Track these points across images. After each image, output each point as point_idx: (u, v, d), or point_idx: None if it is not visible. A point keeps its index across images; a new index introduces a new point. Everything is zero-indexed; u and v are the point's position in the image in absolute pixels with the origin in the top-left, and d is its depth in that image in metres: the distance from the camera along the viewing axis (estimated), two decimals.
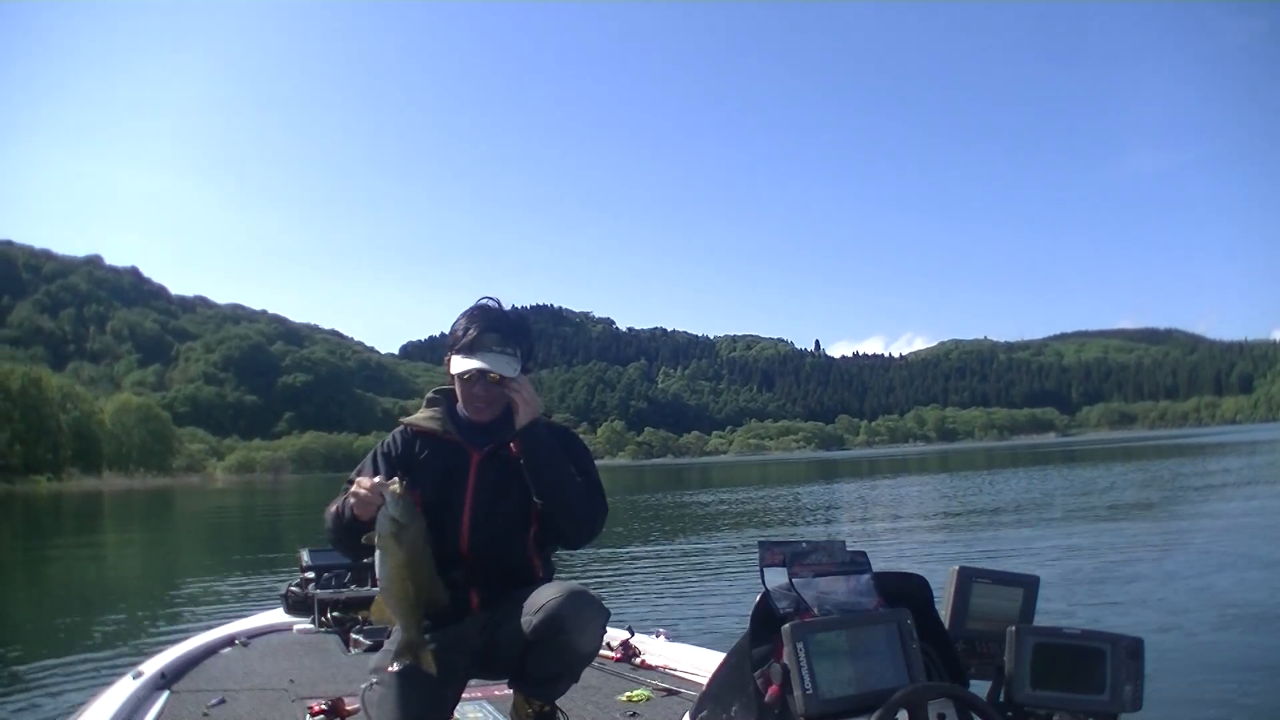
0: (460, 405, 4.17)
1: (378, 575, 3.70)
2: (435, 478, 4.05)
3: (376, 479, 3.72)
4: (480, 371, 3.97)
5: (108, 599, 18.69)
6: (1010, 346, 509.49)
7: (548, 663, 3.86)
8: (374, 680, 3.82)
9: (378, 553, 3.65)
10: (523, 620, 3.78)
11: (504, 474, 4.06)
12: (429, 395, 4.33)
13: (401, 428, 4.24)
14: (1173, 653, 9.94)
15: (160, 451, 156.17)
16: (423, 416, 4.22)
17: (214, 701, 5.31)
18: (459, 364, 4.00)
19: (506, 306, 4.17)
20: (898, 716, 2.76)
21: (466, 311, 4.12)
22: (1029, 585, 3.37)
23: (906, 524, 27.51)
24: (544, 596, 3.78)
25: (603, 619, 3.86)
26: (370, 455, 4.19)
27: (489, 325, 4.03)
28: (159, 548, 33.30)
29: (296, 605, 7.95)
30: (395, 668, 3.72)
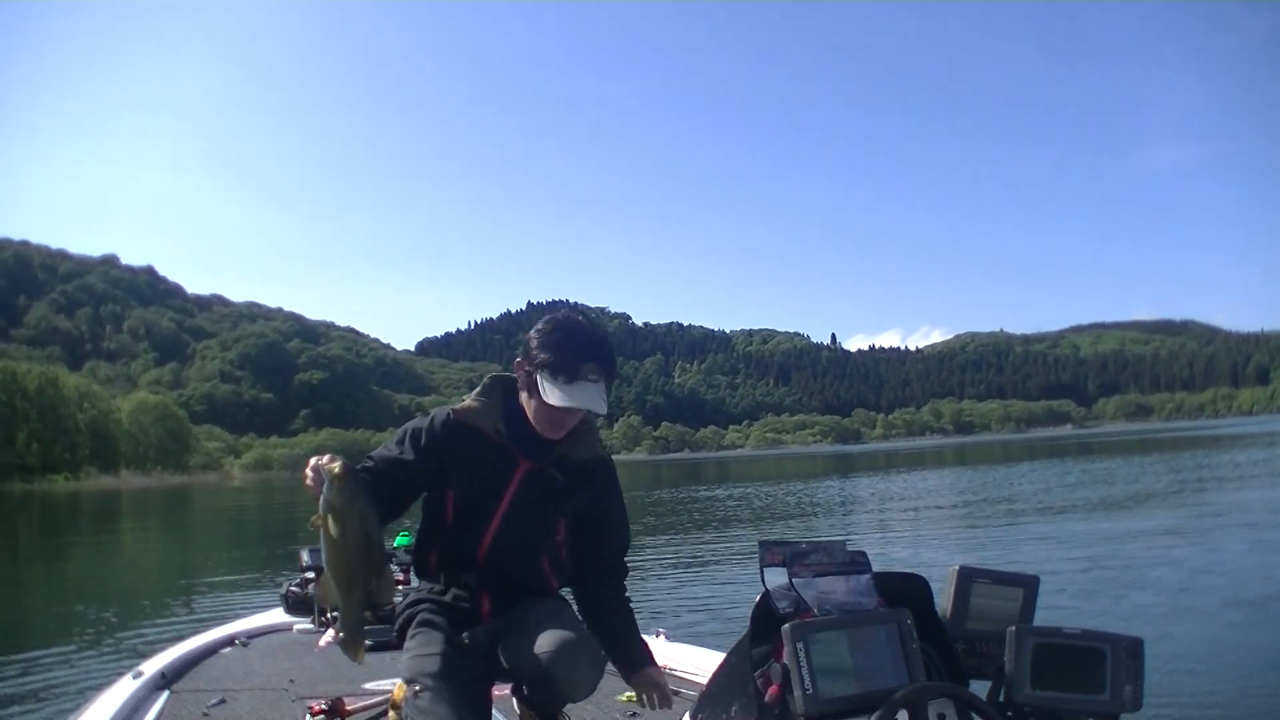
0: (532, 415, 3.85)
1: (322, 559, 3.57)
2: (473, 478, 3.85)
3: (324, 459, 3.48)
4: (579, 409, 3.77)
5: (110, 599, 18.75)
6: (1026, 339, 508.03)
7: (538, 697, 3.88)
8: (416, 688, 3.58)
9: (320, 534, 3.49)
10: (519, 656, 3.70)
11: (545, 492, 3.89)
12: (486, 382, 4.05)
13: (447, 414, 3.95)
14: (1173, 652, 9.93)
15: (177, 450, 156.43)
16: (474, 409, 3.93)
17: (214, 701, 5.32)
18: (558, 394, 3.68)
19: (581, 321, 3.91)
20: (898, 716, 2.76)
21: (561, 327, 3.81)
22: (1029, 585, 3.36)
23: (914, 521, 27.48)
24: (541, 643, 3.61)
25: (597, 672, 3.75)
26: (402, 431, 3.97)
27: (589, 354, 3.76)
28: (168, 547, 33.45)
29: (296, 605, 7.96)
30: (323, 643, 3.83)
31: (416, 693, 3.57)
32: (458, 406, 3.94)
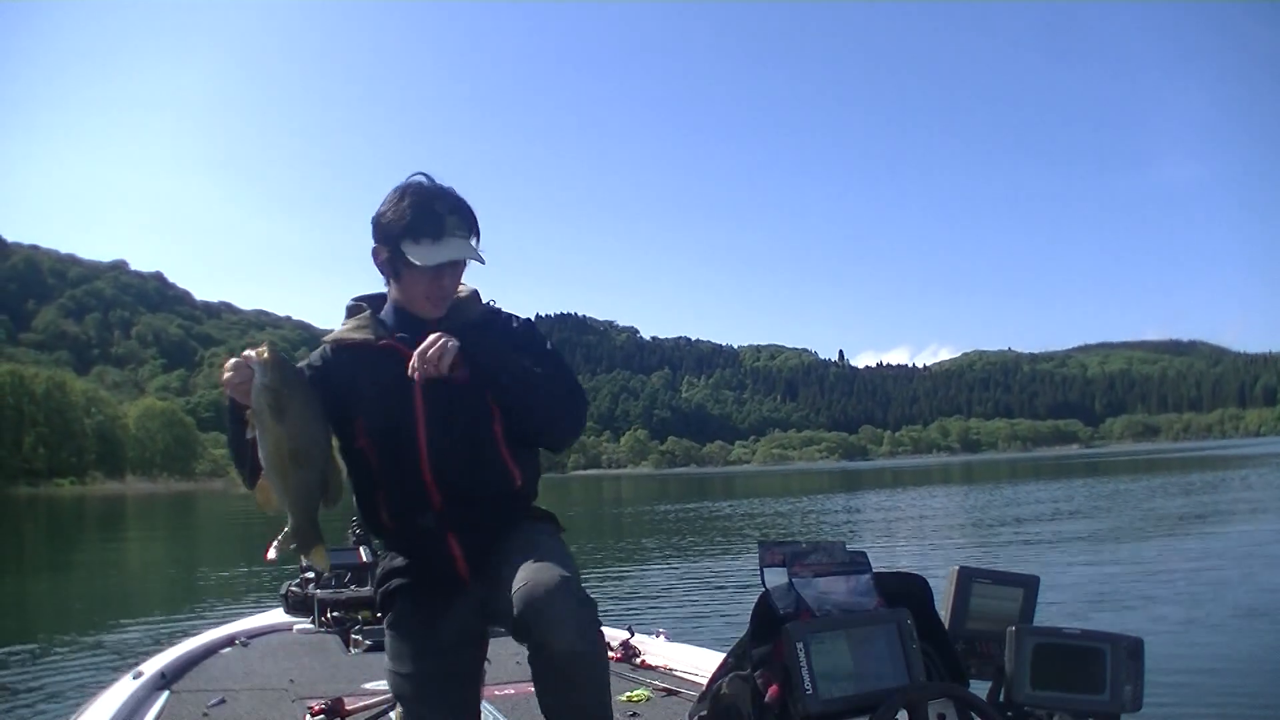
0: (405, 302, 3.46)
1: (260, 458, 3.11)
2: (377, 398, 3.39)
3: (247, 350, 3.06)
4: (454, 262, 3.40)
5: (111, 599, 18.87)
6: (1034, 358, 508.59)
7: (532, 656, 3.15)
8: (402, 711, 3.39)
9: (256, 433, 3.05)
10: (501, 617, 3.24)
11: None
12: (349, 304, 3.66)
13: (322, 346, 3.57)
14: (1173, 653, 9.93)
15: (184, 456, 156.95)
16: (347, 327, 3.54)
17: (214, 701, 5.33)
18: (426, 253, 3.31)
19: (426, 177, 3.47)
20: (898, 716, 2.76)
21: (410, 189, 3.40)
22: (1029, 585, 3.36)
23: (919, 535, 27.48)
24: (512, 590, 3.11)
25: (574, 605, 3.08)
26: None
27: (447, 205, 3.38)
28: (171, 551, 33.43)
29: (296, 605, 7.98)
30: (272, 555, 3.19)
31: (404, 716, 3.42)
32: (328, 337, 3.58)
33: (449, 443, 3.38)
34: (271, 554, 3.19)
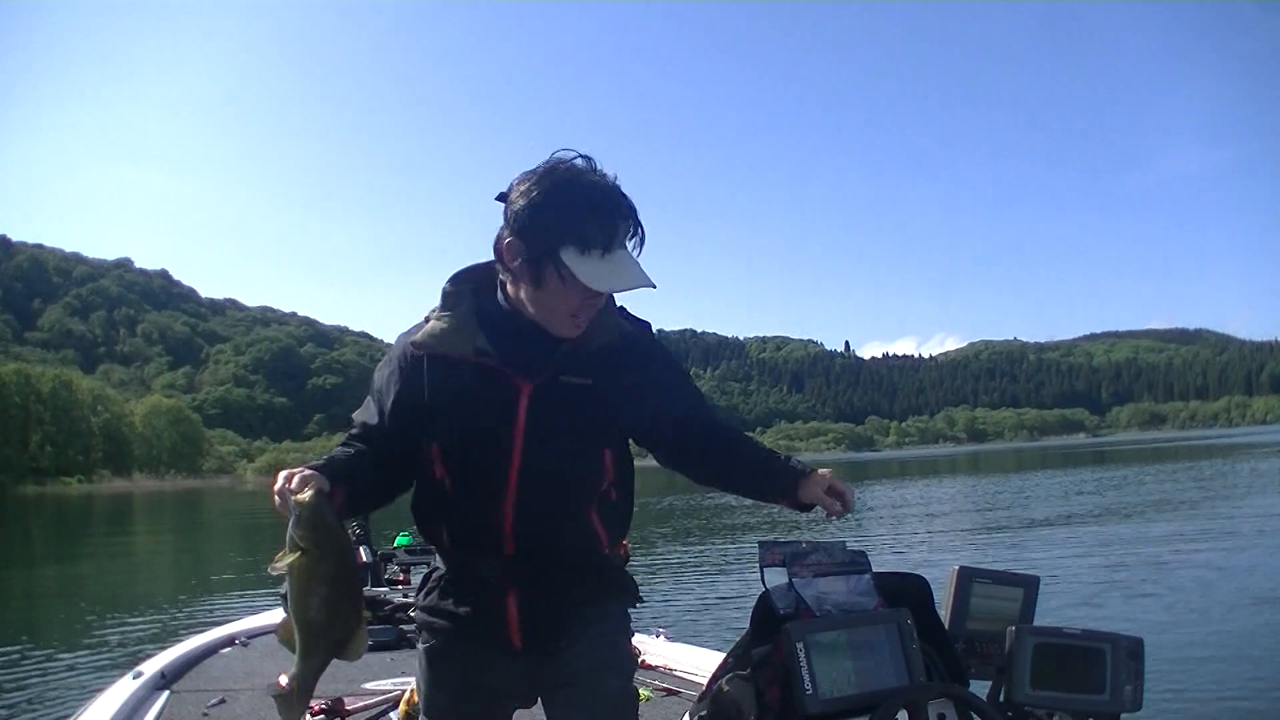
0: (541, 311, 2.76)
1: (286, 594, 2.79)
2: (462, 430, 2.79)
3: (294, 482, 2.54)
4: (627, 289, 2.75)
5: (112, 599, 18.92)
6: (1040, 347, 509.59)
7: None
8: None
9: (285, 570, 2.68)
10: None
11: (568, 412, 2.78)
12: (446, 289, 2.91)
13: (404, 348, 2.87)
14: (1174, 653, 9.92)
15: (190, 453, 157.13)
16: (439, 331, 2.83)
17: (214, 701, 5.33)
18: (597, 271, 2.64)
19: (588, 165, 2.74)
20: (898, 716, 2.75)
21: (582, 183, 2.68)
22: (1029, 585, 3.35)
23: (926, 527, 27.46)
24: None
25: None
26: (374, 379, 2.97)
27: (622, 209, 2.69)
28: (176, 550, 33.52)
29: None
30: (274, 691, 2.72)
31: None
32: (416, 335, 2.86)
33: (543, 496, 2.80)
34: (273, 691, 2.84)
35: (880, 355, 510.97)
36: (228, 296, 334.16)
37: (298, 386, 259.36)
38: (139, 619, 15.22)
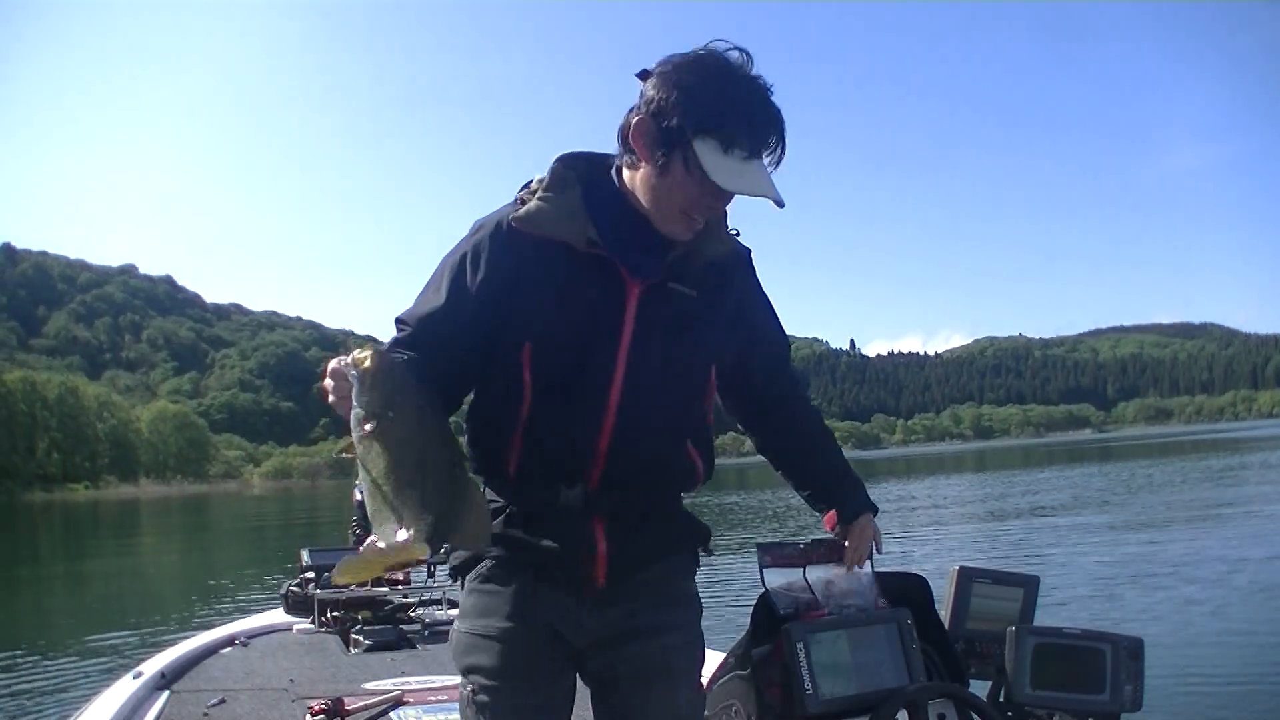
0: (657, 203, 2.40)
1: (364, 500, 2.26)
2: (569, 322, 2.41)
3: (353, 354, 2.16)
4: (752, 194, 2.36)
5: (113, 600, 18.98)
6: (1045, 343, 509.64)
7: None
8: (470, 687, 2.50)
9: (358, 468, 2.21)
10: None
11: (678, 324, 2.47)
12: (554, 166, 2.51)
13: (499, 224, 2.46)
14: (1174, 653, 9.90)
15: (197, 459, 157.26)
16: (543, 210, 2.43)
17: (214, 701, 5.32)
18: (731, 169, 2.29)
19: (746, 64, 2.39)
20: (898, 716, 2.76)
21: (739, 77, 2.35)
22: (1029, 585, 3.35)
23: (925, 524, 27.43)
24: None
25: None
26: (439, 269, 2.52)
27: (774, 122, 2.35)
28: (180, 553, 33.49)
29: (296, 605, 7.96)
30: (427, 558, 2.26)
31: (473, 693, 2.51)
32: (516, 213, 2.44)
33: (646, 414, 2.45)
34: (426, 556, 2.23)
35: (885, 353, 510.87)
36: (232, 301, 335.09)
37: (303, 391, 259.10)
38: (140, 620, 15.22)
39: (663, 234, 2.43)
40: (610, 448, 2.41)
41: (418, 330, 2.45)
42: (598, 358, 2.40)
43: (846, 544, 2.88)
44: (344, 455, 2.21)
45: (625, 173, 2.47)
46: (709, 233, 2.48)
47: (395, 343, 2.44)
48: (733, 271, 2.60)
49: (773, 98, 2.36)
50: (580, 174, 2.49)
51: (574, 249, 2.38)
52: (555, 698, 2.52)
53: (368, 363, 2.15)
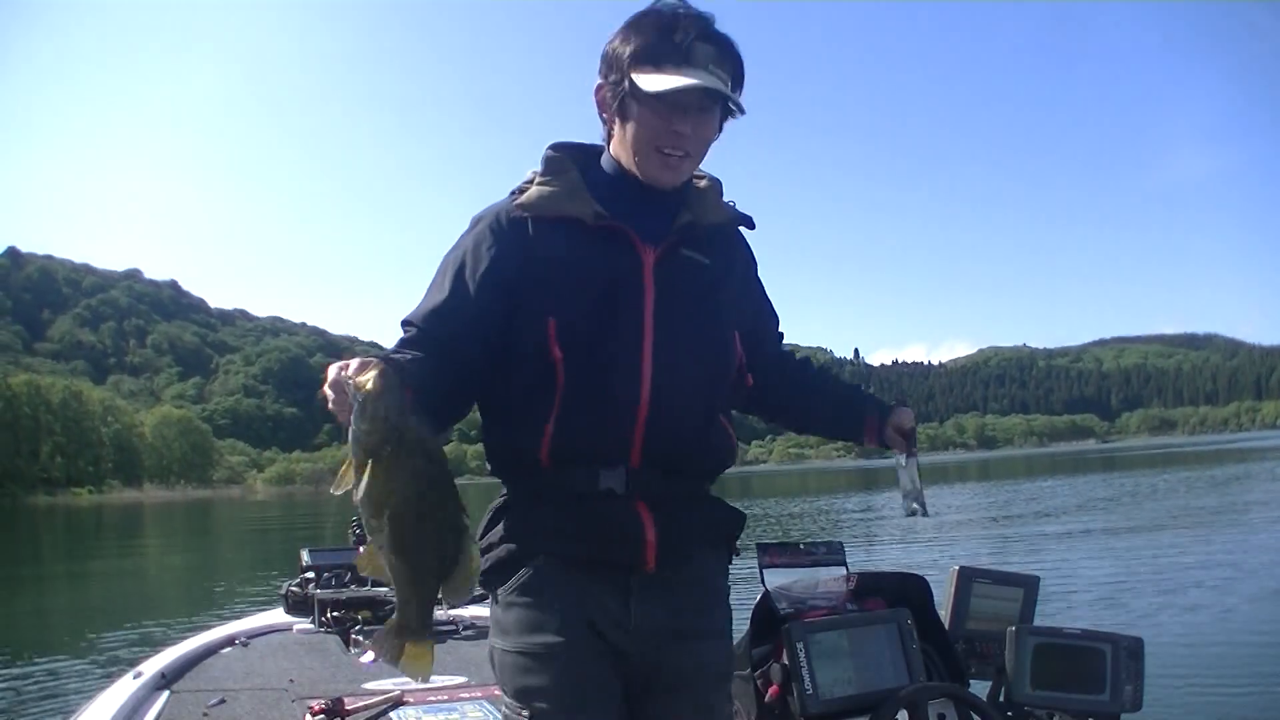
0: (629, 158, 2.45)
1: (362, 518, 2.18)
2: (592, 296, 2.38)
3: (352, 368, 2.05)
4: (701, 91, 2.32)
5: (114, 601, 18.96)
6: (1049, 353, 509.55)
7: None
8: (527, 712, 2.32)
9: (352, 486, 2.09)
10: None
11: (689, 287, 2.45)
12: (547, 153, 2.56)
13: (502, 210, 2.48)
14: (1174, 653, 9.89)
15: (201, 464, 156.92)
16: (546, 192, 2.46)
17: (214, 701, 5.31)
18: (664, 79, 2.31)
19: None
20: (898, 716, 2.76)
21: (652, 8, 2.41)
22: (1029, 585, 3.36)
23: (929, 529, 27.44)
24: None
25: None
26: (444, 263, 2.52)
27: (702, 32, 2.35)
28: (181, 557, 33.49)
29: (296, 605, 7.94)
30: (365, 659, 2.19)
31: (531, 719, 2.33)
32: (519, 199, 2.47)
33: (682, 388, 2.39)
34: (367, 658, 2.21)
35: (889, 362, 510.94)
36: (237, 307, 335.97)
37: (307, 396, 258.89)
38: (140, 621, 15.23)
39: (659, 189, 2.46)
40: (648, 421, 2.35)
41: (424, 329, 2.41)
42: (624, 325, 2.36)
43: (898, 427, 3.02)
44: (339, 489, 2.12)
45: (612, 146, 2.51)
46: (707, 200, 2.55)
47: (402, 343, 2.39)
48: (738, 239, 2.66)
49: (703, 15, 2.38)
50: (574, 158, 2.53)
51: (583, 223, 2.38)
52: (613, 716, 2.40)
53: (370, 385, 2.03)
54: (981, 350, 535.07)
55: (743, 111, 2.44)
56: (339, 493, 2.10)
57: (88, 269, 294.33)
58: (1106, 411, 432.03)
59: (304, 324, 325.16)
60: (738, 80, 2.42)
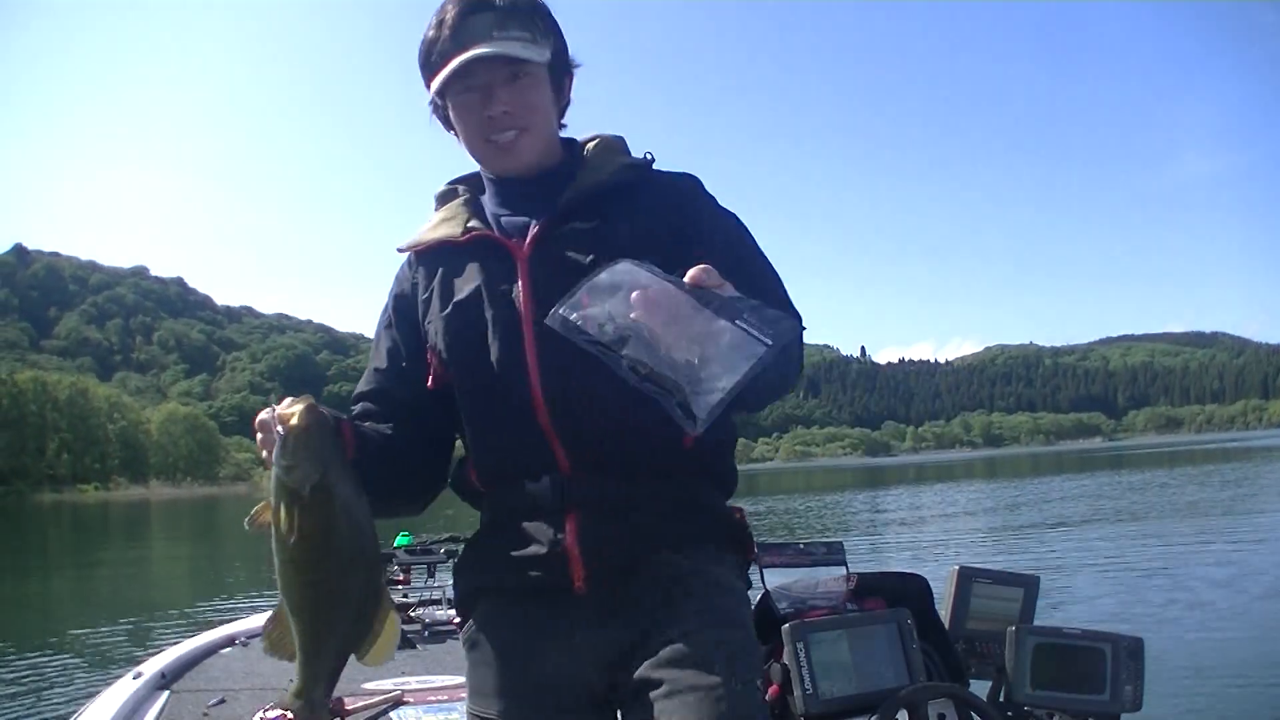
0: (468, 145, 2.31)
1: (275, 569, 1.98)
2: (463, 309, 2.24)
3: (282, 404, 1.96)
4: (472, 63, 2.16)
5: (114, 600, 18.97)
6: (1056, 351, 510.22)
7: None
8: None
9: (270, 535, 1.93)
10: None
11: (570, 262, 2.15)
12: (438, 192, 2.50)
13: (407, 257, 2.45)
14: (1175, 653, 9.89)
15: (207, 461, 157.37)
16: (430, 224, 2.40)
17: (214, 701, 5.31)
18: (437, 78, 2.23)
19: None
20: (898, 716, 2.75)
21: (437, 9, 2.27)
22: (1029, 585, 3.35)
23: (933, 528, 27.45)
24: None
25: None
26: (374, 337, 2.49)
27: (468, 9, 2.20)
28: (186, 555, 33.57)
29: None
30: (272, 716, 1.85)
31: None
32: (406, 242, 2.44)
33: (581, 368, 2.02)
34: (271, 715, 2.05)
35: (896, 360, 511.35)
36: (243, 304, 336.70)
37: (314, 394, 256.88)
38: (141, 620, 15.27)
39: (541, 178, 2.28)
40: (554, 419, 2.14)
41: (367, 397, 2.37)
42: (501, 327, 2.18)
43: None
44: (256, 527, 1.95)
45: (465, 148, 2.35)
46: (595, 163, 2.32)
47: (356, 418, 2.31)
48: (651, 188, 2.31)
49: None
50: (469, 183, 2.45)
51: (454, 243, 2.28)
52: None
53: (294, 420, 1.89)
54: (988, 348, 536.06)
55: (559, 55, 2.29)
56: (252, 530, 1.95)
57: (94, 266, 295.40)
58: (1113, 410, 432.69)
59: (310, 321, 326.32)
60: (537, 30, 2.23)
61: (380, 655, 2.04)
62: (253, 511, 1.94)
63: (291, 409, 1.91)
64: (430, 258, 2.34)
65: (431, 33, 2.23)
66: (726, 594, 2.20)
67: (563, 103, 2.38)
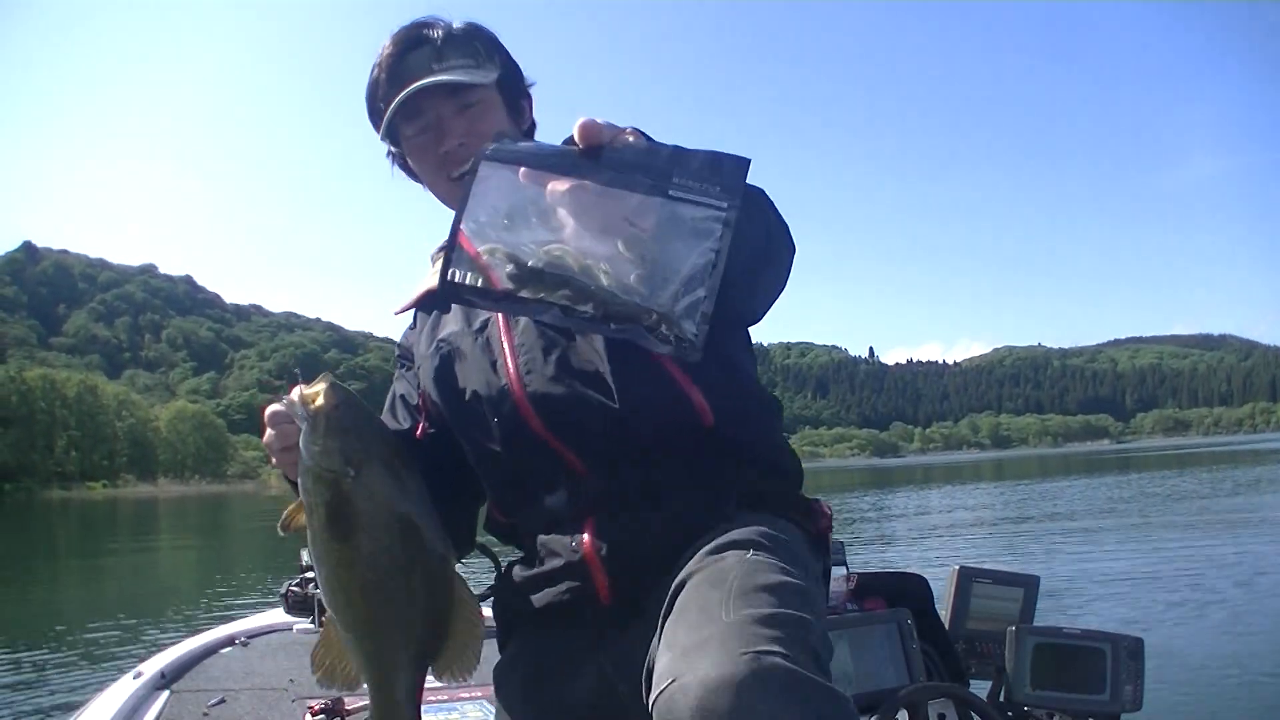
0: (443, 199, 2.26)
1: (320, 586, 1.81)
2: (446, 344, 2.20)
3: (300, 389, 1.81)
4: (417, 98, 2.14)
5: (114, 600, 18.94)
6: (1064, 353, 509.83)
7: None
8: None
9: (309, 542, 1.71)
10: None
11: None
12: (433, 253, 2.37)
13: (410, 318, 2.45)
14: (1176, 653, 9.87)
15: (215, 459, 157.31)
16: (421, 282, 2.35)
17: (214, 701, 5.31)
18: (385, 123, 2.21)
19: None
20: (897, 717, 2.75)
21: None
22: (1029, 585, 3.34)
23: (939, 529, 27.41)
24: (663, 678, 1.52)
25: None
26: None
27: (403, 48, 2.19)
28: (193, 554, 33.55)
29: (296, 605, 7.93)
30: None
31: None
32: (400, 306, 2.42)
33: (562, 362, 2.01)
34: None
35: (904, 361, 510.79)
36: (252, 302, 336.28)
37: None
38: (141, 620, 15.26)
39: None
40: (552, 426, 2.02)
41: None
42: (479, 355, 2.13)
43: None
44: (285, 530, 1.76)
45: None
46: None
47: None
48: None
49: (408, 32, 2.20)
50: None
51: (435, 291, 1.97)
52: None
53: (320, 399, 1.68)
54: (996, 350, 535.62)
55: (509, 77, 2.25)
56: (285, 535, 1.78)
57: (103, 264, 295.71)
58: (1121, 412, 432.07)
59: (318, 319, 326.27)
60: (479, 54, 2.19)
61: (462, 663, 1.77)
62: (284, 515, 1.74)
63: (315, 387, 1.70)
64: (423, 313, 2.36)
65: (372, 78, 2.23)
66: (779, 543, 1.85)
67: (524, 126, 2.35)
